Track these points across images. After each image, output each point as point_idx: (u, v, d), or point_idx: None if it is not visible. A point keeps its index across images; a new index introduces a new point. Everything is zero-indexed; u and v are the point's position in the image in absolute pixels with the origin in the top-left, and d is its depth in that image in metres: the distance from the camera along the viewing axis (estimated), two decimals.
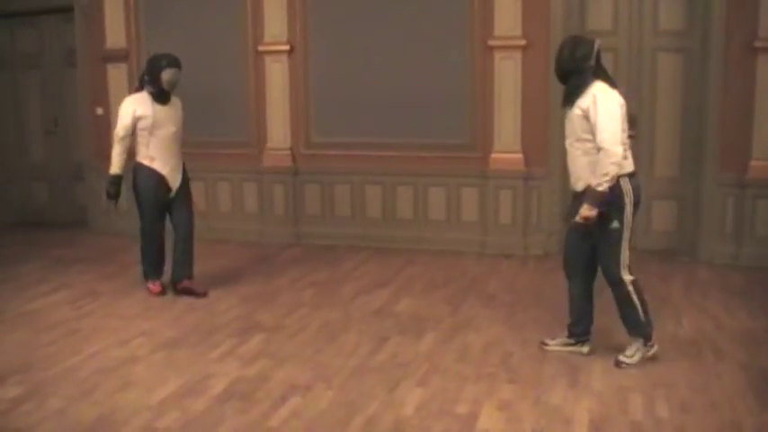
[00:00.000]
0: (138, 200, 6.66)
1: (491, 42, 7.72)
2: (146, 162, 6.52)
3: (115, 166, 6.50)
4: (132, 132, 6.48)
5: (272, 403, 4.56)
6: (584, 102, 4.84)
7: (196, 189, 8.96)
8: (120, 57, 9.20)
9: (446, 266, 7.50)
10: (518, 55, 7.71)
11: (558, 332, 5.36)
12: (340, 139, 8.42)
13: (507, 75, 7.74)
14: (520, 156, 7.81)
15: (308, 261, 7.90)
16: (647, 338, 5.05)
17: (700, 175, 7.56)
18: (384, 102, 8.20)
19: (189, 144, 8.95)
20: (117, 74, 9.25)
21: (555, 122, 7.69)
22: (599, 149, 4.73)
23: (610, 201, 4.79)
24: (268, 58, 8.58)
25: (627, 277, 4.95)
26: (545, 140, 7.76)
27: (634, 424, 4.21)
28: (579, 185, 4.98)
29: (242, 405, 4.55)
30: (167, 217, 6.77)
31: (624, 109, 4.89)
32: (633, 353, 5.04)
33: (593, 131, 4.78)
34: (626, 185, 4.86)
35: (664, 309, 6.10)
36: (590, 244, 5.05)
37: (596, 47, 4.93)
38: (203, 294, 6.65)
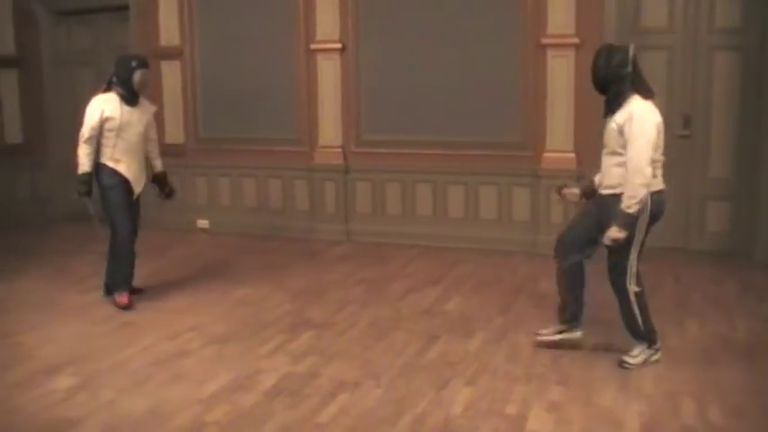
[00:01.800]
0: (106, 202, 6.40)
1: (544, 40, 7.66)
2: (110, 164, 6.30)
3: (85, 165, 6.22)
4: (99, 133, 6.24)
5: (321, 399, 4.58)
6: (620, 116, 4.81)
7: (248, 186, 9.11)
8: (173, 54, 9.31)
9: (496, 266, 7.46)
10: (571, 53, 7.64)
11: (613, 336, 5.30)
12: (391, 137, 8.42)
13: (560, 73, 7.68)
14: (572, 155, 7.74)
15: (357, 258, 7.91)
16: (650, 343, 5.03)
17: (756, 175, 7.43)
18: (435, 100, 8.18)
19: (241, 141, 9.10)
20: (171, 71, 9.37)
21: None
22: (627, 167, 4.71)
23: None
24: (320, 56, 8.61)
25: (631, 288, 4.94)
26: (598, 140, 7.64)
27: (686, 429, 4.16)
28: (605, 191, 4.98)
29: (291, 401, 4.57)
30: None
31: (661, 128, 4.84)
32: (637, 354, 5.02)
33: (625, 147, 4.75)
34: (649, 199, 4.80)
35: (716, 311, 6.02)
36: (594, 235, 5.03)
37: (632, 52, 4.87)
38: (126, 306, 6.35)
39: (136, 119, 6.36)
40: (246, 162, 9.11)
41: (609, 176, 4.94)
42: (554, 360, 5.10)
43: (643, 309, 4.99)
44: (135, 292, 6.56)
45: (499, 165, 8.02)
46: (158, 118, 9.30)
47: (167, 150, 9.42)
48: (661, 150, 4.87)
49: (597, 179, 5.21)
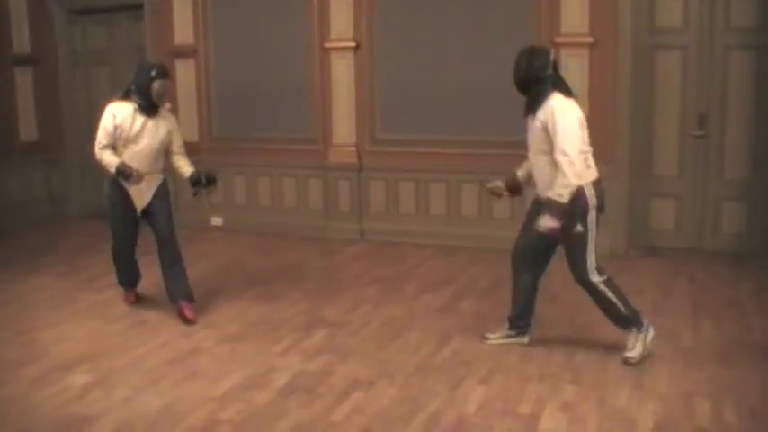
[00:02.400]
0: (107, 210, 6.24)
1: (558, 40, 7.63)
2: (114, 176, 5.96)
3: (112, 162, 5.86)
4: (114, 139, 5.92)
5: (335, 398, 4.59)
6: (542, 113, 4.94)
7: (262, 185, 9.12)
8: (188, 53, 9.34)
9: (510, 265, 7.42)
10: (585, 52, 7.61)
11: (623, 334, 5.29)
12: (405, 136, 8.42)
13: (574, 72, 7.59)
14: None
15: (371, 257, 7.92)
16: (638, 326, 5.06)
17: None
18: (449, 99, 8.17)
19: (255, 139, 9.12)
20: (185, 70, 9.39)
21: (623, 120, 7.61)
22: (558, 161, 4.80)
23: (573, 206, 4.86)
24: (334, 55, 8.61)
25: (596, 279, 5.03)
26: (612, 139, 7.65)
27: (700, 430, 4.14)
28: (543, 193, 5.05)
29: (304, 399, 4.58)
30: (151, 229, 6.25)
31: (584, 122, 4.97)
32: (634, 345, 5.04)
33: (553, 143, 4.85)
34: (589, 190, 4.92)
35: (732, 312, 6.00)
36: (544, 243, 5.10)
37: (552, 56, 5.05)
38: (190, 321, 6.01)
39: (149, 131, 5.97)
40: (261, 161, 9.13)
41: (543, 177, 5.04)
42: (568, 359, 5.10)
43: (617, 293, 5.07)
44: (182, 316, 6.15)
45: (513, 164, 7.93)
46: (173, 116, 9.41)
47: None
48: (588, 143, 4.98)
49: (520, 174, 5.42)
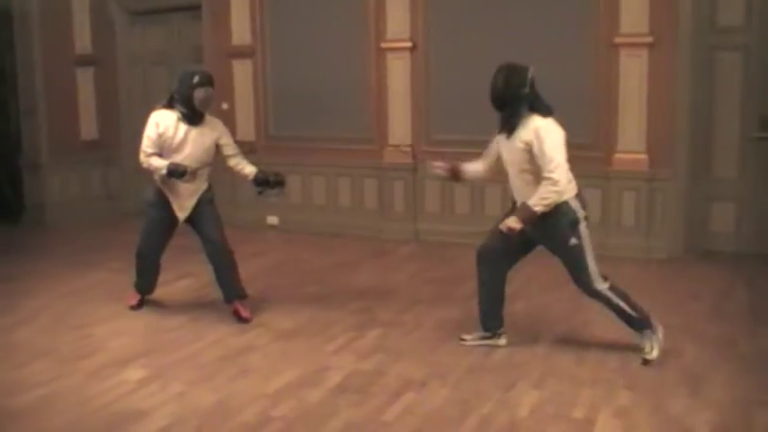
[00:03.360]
0: (145, 217, 6.26)
1: (617, 40, 7.55)
2: (160, 185, 6.01)
3: (161, 165, 5.80)
4: (158, 147, 5.87)
5: (387, 398, 4.58)
6: (525, 134, 4.96)
7: (317, 184, 9.15)
8: (245, 53, 9.42)
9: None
10: (644, 52, 7.50)
11: (686, 340, 5.22)
12: (461, 136, 8.36)
13: (633, 73, 7.55)
14: (644, 156, 7.61)
15: (425, 258, 7.90)
16: (650, 327, 5.07)
17: None
18: None
19: (311, 139, 9.16)
20: (242, 70, 9.48)
21: (682, 122, 7.50)
22: (545, 179, 4.83)
23: (560, 222, 4.96)
24: (390, 55, 8.61)
25: (602, 286, 5.07)
26: (671, 141, 7.55)
27: None
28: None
29: (357, 398, 4.59)
30: (199, 238, 6.23)
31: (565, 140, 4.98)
32: (650, 347, 5.04)
33: (539, 163, 4.89)
34: (573, 203, 4.99)
35: None
36: (517, 248, 5.28)
37: (530, 75, 5.05)
38: (246, 320, 6.02)
39: (192, 140, 5.89)
40: (316, 160, 9.16)
41: (525, 195, 5.05)
42: (623, 364, 5.02)
43: (624, 297, 5.09)
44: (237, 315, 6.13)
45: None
46: (230, 116, 9.50)
47: (238, 147, 9.55)
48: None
49: (471, 168, 5.60)
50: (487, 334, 5.43)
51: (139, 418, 4.39)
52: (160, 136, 5.85)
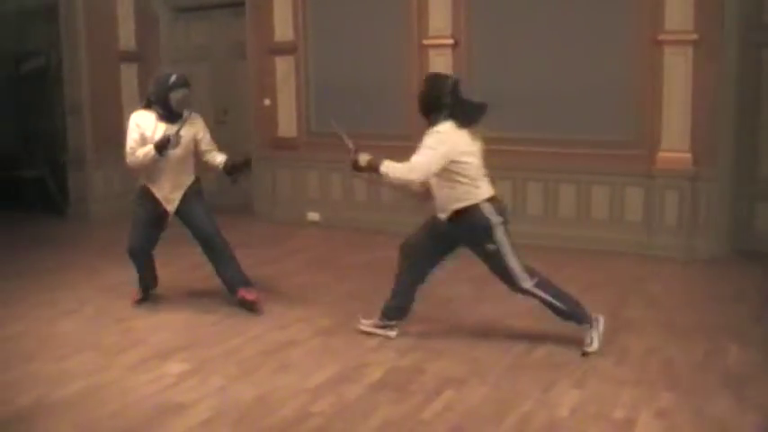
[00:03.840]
0: (133, 213, 6.37)
1: (661, 37, 7.46)
2: (144, 181, 6.18)
3: (148, 150, 5.91)
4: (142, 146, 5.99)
5: (426, 395, 4.57)
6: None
7: (358, 181, 9.13)
8: (287, 49, 9.46)
9: (607, 267, 7.31)
10: (689, 50, 7.41)
11: (729, 341, 5.16)
12: (501, 133, 8.29)
13: (677, 71, 7.46)
14: (688, 155, 7.52)
15: (466, 255, 7.81)
16: (586, 320, 5.18)
17: None
18: (546, 96, 8.04)
19: (352, 135, 9.11)
20: (285, 66, 9.52)
21: (727, 121, 7.41)
22: (409, 164, 5.09)
23: (473, 227, 5.12)
24: (432, 52, 8.59)
25: (527, 284, 5.17)
26: (716, 139, 7.45)
27: None
28: (442, 215, 5.26)
29: (396, 395, 4.58)
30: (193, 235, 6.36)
31: (471, 149, 5.18)
32: (590, 339, 5.16)
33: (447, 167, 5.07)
34: (487, 208, 5.12)
35: None
36: (439, 249, 5.46)
37: (451, 83, 5.20)
38: (253, 303, 6.16)
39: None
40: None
41: (441, 201, 5.23)
42: (665, 365, 4.97)
43: (553, 291, 5.19)
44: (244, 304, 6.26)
45: (612, 164, 7.84)
46: (272, 112, 9.56)
47: (279, 144, 9.62)
48: (479, 167, 5.23)
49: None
50: (380, 322, 5.57)
51: (181, 411, 4.43)
52: (142, 136, 5.99)
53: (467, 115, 5.18)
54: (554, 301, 5.17)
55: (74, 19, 9.92)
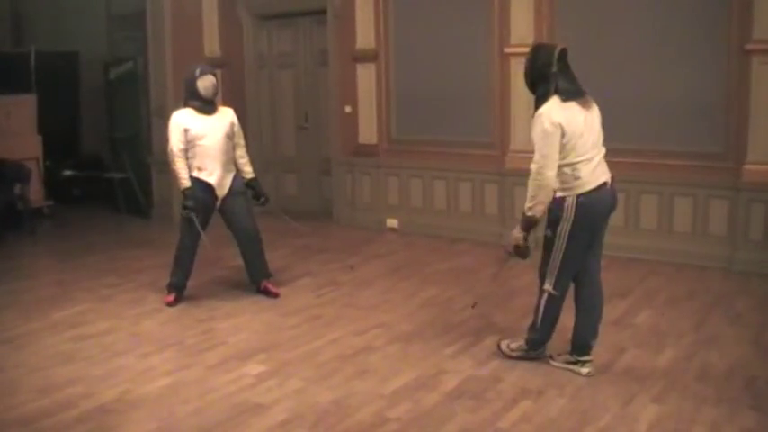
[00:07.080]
0: (182, 214, 6.59)
1: (749, 46, 7.27)
2: (194, 173, 6.44)
3: (185, 180, 6.39)
4: (186, 145, 6.41)
5: (503, 405, 4.56)
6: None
7: (440, 188, 9.16)
8: (369, 57, 9.51)
9: (689, 280, 7.16)
10: None
11: None
12: None
13: (765, 81, 7.26)
14: None
15: None
16: (532, 343, 5.16)
17: None
18: (629, 105, 7.89)
19: (432, 143, 9.18)
20: (366, 73, 9.57)
21: None
22: (531, 169, 4.74)
23: (549, 212, 4.82)
24: (514, 60, 8.52)
25: (548, 287, 4.97)
26: None
27: None
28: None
29: (473, 404, 4.58)
30: (229, 226, 6.77)
31: (573, 128, 4.75)
32: (517, 347, 5.22)
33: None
34: (570, 201, 4.77)
35: None
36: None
37: (557, 53, 4.81)
38: (276, 295, 6.73)
39: (211, 126, 6.45)
40: (437, 164, 9.18)
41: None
42: (749, 382, 4.85)
43: (548, 312, 5.02)
44: (268, 293, 6.80)
45: (696, 175, 7.69)
46: (353, 119, 9.63)
47: (360, 150, 9.68)
48: (585, 150, 4.82)
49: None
50: (572, 358, 5.10)
51: (259, 411, 4.50)
52: (185, 130, 6.37)
53: (569, 88, 4.86)
54: (540, 316, 5.06)
55: (161, 25, 10.16)
